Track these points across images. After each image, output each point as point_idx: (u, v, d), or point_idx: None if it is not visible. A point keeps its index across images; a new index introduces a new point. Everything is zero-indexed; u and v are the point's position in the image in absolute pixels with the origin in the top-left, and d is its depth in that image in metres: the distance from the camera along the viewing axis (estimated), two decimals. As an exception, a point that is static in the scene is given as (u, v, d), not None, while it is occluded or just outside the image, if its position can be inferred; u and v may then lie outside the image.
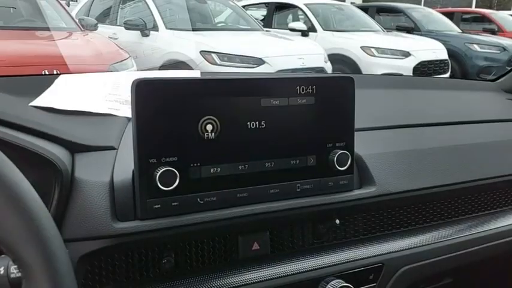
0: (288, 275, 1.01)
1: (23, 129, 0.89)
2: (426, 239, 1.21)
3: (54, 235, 0.62)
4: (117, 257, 0.91)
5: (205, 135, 0.88)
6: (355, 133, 1.03)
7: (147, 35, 6.10)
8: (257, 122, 0.92)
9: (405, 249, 1.16)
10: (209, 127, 0.88)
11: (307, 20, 8.04)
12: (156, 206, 0.86)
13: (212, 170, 0.90)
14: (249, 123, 0.91)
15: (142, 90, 0.83)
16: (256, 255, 1.01)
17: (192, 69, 5.27)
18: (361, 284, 1.08)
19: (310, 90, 0.97)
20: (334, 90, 1.00)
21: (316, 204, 1.00)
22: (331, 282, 1.03)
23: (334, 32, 7.81)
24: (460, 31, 9.68)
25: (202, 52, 5.49)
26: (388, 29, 8.95)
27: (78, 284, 0.87)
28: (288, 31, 7.74)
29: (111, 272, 0.91)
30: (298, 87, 0.96)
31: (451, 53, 8.03)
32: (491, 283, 1.62)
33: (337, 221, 1.06)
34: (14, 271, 0.75)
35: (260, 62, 5.53)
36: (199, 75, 1.44)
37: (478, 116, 1.54)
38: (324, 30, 7.84)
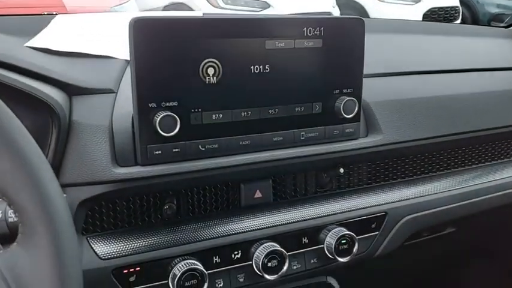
0: (289, 223, 1.01)
1: (17, 70, 0.86)
2: (430, 189, 1.19)
3: (50, 179, 0.60)
4: (118, 203, 0.91)
5: (207, 79, 0.84)
6: (363, 79, 0.99)
7: (149, -24, 5.89)
8: (261, 66, 0.88)
9: (409, 199, 1.15)
10: (211, 71, 0.84)
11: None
12: (157, 152, 0.84)
13: (214, 116, 0.87)
14: (252, 67, 0.87)
15: (141, 28, 0.79)
16: (258, 203, 1.00)
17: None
18: (363, 233, 1.08)
19: (318, 33, 0.92)
20: (342, 33, 0.94)
21: (321, 153, 0.98)
22: (333, 230, 1.02)
23: (343, -24, 7.53)
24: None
25: (206, -6, 5.33)
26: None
27: (79, 229, 0.87)
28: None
29: (112, 217, 0.91)
30: (305, 28, 0.91)
31: (462, -1, 7.76)
32: (493, 233, 1.63)
33: (341, 170, 1.04)
34: (12, 215, 0.75)
35: (265, 5, 5.36)
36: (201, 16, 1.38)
37: (489, 63, 1.48)
38: (333, -27, 7.55)
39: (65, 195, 0.79)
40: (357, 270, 1.22)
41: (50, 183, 0.60)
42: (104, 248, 0.88)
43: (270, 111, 0.91)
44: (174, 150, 0.85)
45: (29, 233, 0.58)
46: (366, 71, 0.99)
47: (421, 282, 2.07)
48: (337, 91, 0.96)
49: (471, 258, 1.86)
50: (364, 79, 0.99)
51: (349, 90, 0.97)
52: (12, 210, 0.69)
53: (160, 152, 0.84)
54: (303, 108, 0.94)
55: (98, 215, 0.89)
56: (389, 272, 1.57)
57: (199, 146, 0.87)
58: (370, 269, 1.33)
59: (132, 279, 0.89)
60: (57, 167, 0.84)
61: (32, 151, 0.59)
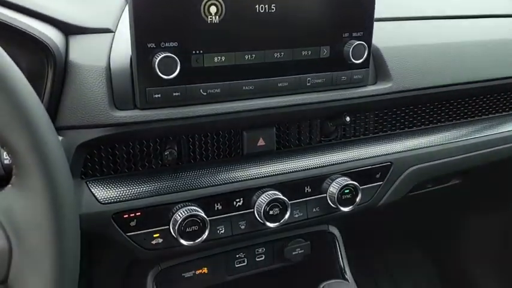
0: (292, 172, 0.99)
1: (9, 7, 0.81)
2: (437, 139, 1.16)
3: (43, 120, 0.57)
4: (117, 147, 0.88)
5: (209, 19, 0.79)
6: (374, 23, 0.94)
7: None
8: (266, 5, 0.82)
9: (415, 149, 1.12)
10: (213, 9, 0.79)
11: None
12: (156, 96, 0.81)
13: (216, 59, 0.83)
14: (257, 6, 0.82)
15: (139, -37, 0.74)
16: (261, 151, 0.98)
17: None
18: (367, 183, 1.06)
19: (328, -29, 0.86)
20: (354, -30, 0.88)
21: (327, 100, 0.94)
22: (337, 180, 1.00)
23: None
24: None
25: None
26: None
27: (78, 173, 0.85)
28: None
29: (111, 162, 0.89)
30: (314, -34, 0.85)
31: None
32: (496, 187, 1.62)
33: (348, 119, 1.01)
34: (7, 157, 0.73)
35: None
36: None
37: (507, 9, 1.41)
38: None
39: (61, 137, 0.77)
40: (358, 220, 1.22)
41: (43, 124, 0.57)
42: (103, 192, 0.86)
43: (275, 55, 0.87)
44: (174, 94, 0.81)
45: (22, 174, 0.57)
46: (377, 14, 0.94)
47: (421, 233, 2.09)
48: (346, 34, 0.91)
49: (471, 212, 1.87)
50: (375, 23, 0.94)
51: (359, 34, 0.92)
52: (6, 152, 0.67)
53: (159, 95, 0.80)
54: (310, 52, 0.89)
55: (97, 159, 0.87)
56: (391, 222, 1.58)
57: (201, 90, 0.83)
58: (372, 219, 1.33)
59: (132, 224, 0.88)
60: (53, 109, 0.82)
61: (25, 92, 0.56)
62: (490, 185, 1.59)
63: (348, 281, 1.14)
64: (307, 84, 0.91)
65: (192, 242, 0.88)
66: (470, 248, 1.96)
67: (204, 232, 0.88)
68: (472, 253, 1.96)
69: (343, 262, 1.16)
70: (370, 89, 0.99)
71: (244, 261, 1.15)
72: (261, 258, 1.17)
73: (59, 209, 0.57)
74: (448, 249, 2.05)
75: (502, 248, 1.90)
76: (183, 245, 0.88)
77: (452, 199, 1.60)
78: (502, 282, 1.89)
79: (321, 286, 0.88)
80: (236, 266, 1.15)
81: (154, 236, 0.90)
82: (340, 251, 1.17)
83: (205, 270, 1.12)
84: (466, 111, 1.22)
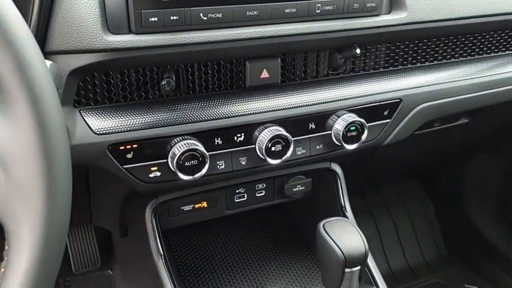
0: (297, 107, 0.94)
1: None
2: (448, 76, 1.11)
3: (27, 41, 0.52)
4: (112, 75, 0.83)
5: None
6: None
7: None
8: None
9: (426, 86, 1.07)
10: None
11: None
12: (153, 19, 0.74)
13: (219, -20, 0.75)
14: None
15: None
16: (264, 84, 0.92)
17: None
18: (374, 120, 1.02)
19: None
20: None
21: (337, 29, 0.88)
22: (343, 116, 0.96)
23: None
24: None
25: None
26: None
27: (71, 100, 0.80)
28: None
29: (106, 90, 0.84)
30: None
31: None
32: (506, 127, 1.58)
33: (358, 51, 0.94)
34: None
35: None
36: None
37: None
38: None
39: (51, 62, 0.71)
40: (362, 158, 1.19)
41: (27, 46, 0.52)
42: (98, 122, 0.82)
43: (283, -23, 0.79)
44: (172, 17, 0.75)
45: (7, 100, 0.52)
46: None
47: (425, 172, 2.08)
48: (361, -43, 0.83)
49: (475, 153, 1.84)
50: None
51: (375, -43, 0.84)
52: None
53: (156, 18, 0.74)
54: (320, -24, 0.82)
55: (91, 87, 0.82)
56: (395, 161, 1.55)
57: (201, 14, 0.77)
58: (376, 157, 1.30)
59: (129, 156, 0.84)
60: (42, 33, 0.75)
61: (7, 11, 0.51)
62: (498, 126, 1.55)
63: (348, 218, 1.13)
64: (317, 11, 0.84)
65: (191, 177, 0.85)
66: (470, 188, 1.96)
67: (203, 167, 0.85)
68: (471, 193, 1.96)
69: (344, 200, 1.15)
70: (384, 18, 0.92)
71: (244, 197, 1.13)
72: (261, 194, 1.15)
73: (47, 138, 0.53)
74: (448, 188, 2.05)
75: (501, 189, 1.90)
76: (181, 179, 0.85)
77: (460, 137, 1.57)
78: (500, 224, 1.91)
79: (321, 224, 0.86)
80: (236, 201, 1.13)
81: (152, 169, 0.87)
82: (341, 188, 1.15)
83: (204, 204, 1.10)
84: (481, 46, 1.16)
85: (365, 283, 1.06)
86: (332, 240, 0.83)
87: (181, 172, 0.84)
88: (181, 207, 1.08)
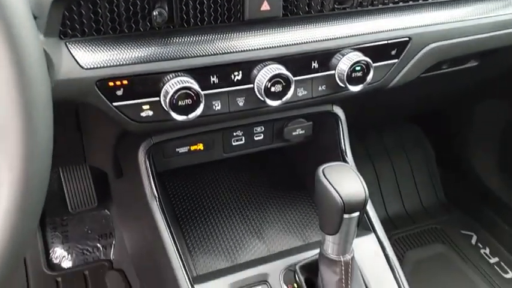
0: (299, 43, 0.88)
1: None
2: (461, 14, 1.04)
3: None
4: (99, 4, 0.76)
5: None
6: None
7: None
8: None
9: (437, 24, 1.00)
10: None
11: None
12: None
13: None
14: None
15: None
16: (265, 17, 0.85)
17: None
18: (381, 60, 0.96)
19: None
20: None
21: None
22: (347, 55, 0.90)
23: None
24: None
25: None
26: None
27: (55, 32, 0.74)
28: None
29: (93, 20, 0.77)
30: None
31: None
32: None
33: (366, -18, 0.87)
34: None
35: None
36: None
37: None
38: None
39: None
40: (365, 101, 1.14)
41: None
42: (86, 56, 0.76)
43: None
44: None
45: None
46: None
47: (425, 117, 2.04)
48: None
49: (480, 98, 1.79)
50: None
51: None
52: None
53: None
54: None
55: (77, 17, 0.76)
56: (398, 105, 1.50)
57: None
58: (379, 101, 1.25)
59: (119, 93, 0.80)
60: None
61: None
62: (507, 70, 1.49)
63: (348, 163, 1.10)
64: None
65: (184, 117, 0.81)
66: (473, 134, 1.93)
67: (197, 107, 0.80)
68: (473, 140, 1.93)
69: (345, 144, 1.11)
70: None
71: (241, 140, 1.09)
72: (259, 138, 1.11)
73: (22, 72, 0.48)
74: (450, 134, 2.02)
75: (505, 137, 1.87)
76: (175, 119, 0.81)
77: (464, 83, 1.51)
78: (501, 172, 1.89)
79: (321, 168, 0.83)
80: (233, 144, 1.09)
81: (144, 108, 0.82)
82: (343, 133, 1.11)
83: (200, 146, 1.06)
84: (498, -17, 1.08)
85: (363, 228, 1.05)
86: (331, 185, 0.79)
87: (174, 112, 0.80)
88: (177, 149, 1.04)
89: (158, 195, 0.97)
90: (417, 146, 2.09)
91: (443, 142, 2.07)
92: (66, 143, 1.25)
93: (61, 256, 1.73)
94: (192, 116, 0.81)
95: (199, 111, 0.81)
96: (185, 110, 0.80)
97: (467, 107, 1.89)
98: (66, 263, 1.71)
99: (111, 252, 1.75)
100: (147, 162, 0.97)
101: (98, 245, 1.77)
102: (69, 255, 1.73)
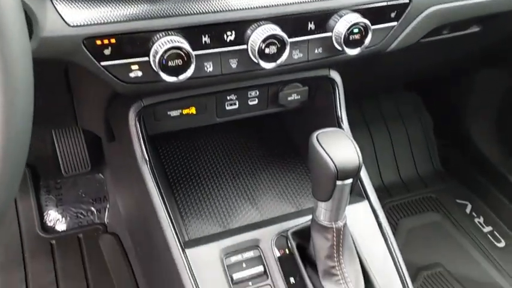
0: (295, 3, 0.84)
1: None
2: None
3: None
4: (84, -42, 0.72)
5: None
6: None
7: None
8: None
9: (438, -13, 0.96)
10: None
11: None
12: None
13: None
14: None
15: None
16: None
17: None
18: (380, 22, 0.92)
19: None
20: None
21: None
22: (345, 17, 0.87)
23: None
24: None
25: None
26: None
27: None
28: None
29: (78, -25, 0.74)
30: None
31: None
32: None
33: None
34: None
35: None
36: None
37: None
38: None
39: None
40: (363, 66, 1.11)
41: None
42: (72, 12, 0.73)
43: None
44: None
45: None
46: None
47: (423, 83, 2.01)
48: None
49: (480, 65, 1.76)
50: None
51: None
52: None
53: None
54: None
55: (61, -29, 0.72)
56: (396, 71, 1.47)
57: None
58: (377, 66, 1.22)
59: (107, 52, 0.77)
60: None
61: None
62: (509, 37, 1.45)
63: (344, 130, 1.08)
64: None
65: (175, 78, 0.78)
66: (472, 103, 1.91)
67: (188, 68, 0.78)
68: (472, 108, 1.91)
69: (341, 110, 1.08)
70: None
71: (235, 104, 1.07)
72: (253, 102, 1.09)
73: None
74: (448, 103, 2.00)
75: (504, 107, 1.85)
76: (164, 80, 0.78)
77: (464, 50, 1.48)
78: (499, 142, 1.88)
79: (315, 134, 0.81)
80: (227, 108, 1.07)
81: (132, 68, 0.79)
82: (339, 98, 1.08)
83: (193, 110, 1.04)
84: None
85: (356, 195, 1.03)
86: (324, 151, 0.78)
87: (164, 72, 0.77)
88: (168, 113, 1.02)
89: (149, 158, 0.95)
90: (415, 114, 2.07)
91: (442, 111, 2.05)
92: (57, 105, 1.22)
93: (55, 219, 1.73)
94: (182, 77, 0.78)
95: (190, 72, 0.78)
96: (175, 71, 0.77)
97: (467, 76, 1.85)
98: (61, 226, 1.71)
99: (105, 216, 1.75)
100: (138, 125, 0.94)
101: (92, 208, 1.76)
102: (63, 219, 1.73)
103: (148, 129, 1.03)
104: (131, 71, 0.79)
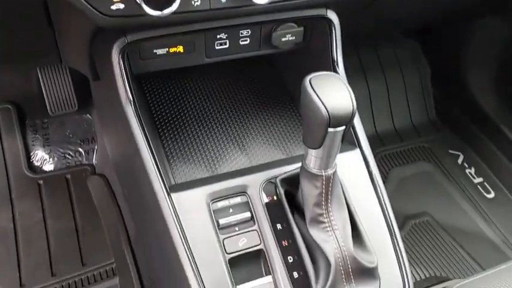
0: None
1: None
2: None
3: None
4: None
5: None
6: None
7: None
8: None
9: None
10: None
11: None
12: None
13: None
14: None
15: None
16: None
17: None
18: None
19: None
20: None
21: None
22: None
23: None
24: None
25: None
26: None
27: None
28: None
29: None
30: None
31: None
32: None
33: None
34: None
35: None
36: None
37: None
38: None
39: None
40: (362, 9, 1.05)
41: None
42: None
43: None
44: None
45: None
46: None
47: (426, 32, 1.94)
48: None
49: (484, 14, 1.70)
50: None
51: None
52: None
53: None
54: None
55: None
56: (396, 16, 1.41)
57: None
58: (377, 7, 1.16)
59: None
60: None
61: None
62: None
63: (339, 74, 1.03)
64: None
65: (159, 12, 0.72)
66: (472, 52, 1.86)
67: (173, 1, 0.72)
68: (471, 58, 1.86)
69: (337, 54, 1.03)
70: None
71: (225, 44, 1.01)
72: (245, 42, 1.03)
73: None
74: (448, 51, 1.94)
75: (503, 57, 1.80)
76: (148, 14, 0.72)
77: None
78: (496, 93, 1.84)
79: (308, 78, 0.76)
80: (216, 47, 1.01)
81: (114, 0, 0.73)
82: (336, 40, 1.02)
83: (180, 49, 0.98)
84: None
85: (348, 143, 1.01)
86: (317, 96, 0.73)
87: (147, 5, 0.71)
88: (154, 51, 0.96)
89: (133, 98, 0.91)
90: (413, 62, 2.01)
91: (441, 59, 1.99)
92: (39, 41, 1.16)
93: (42, 159, 1.70)
94: (167, 11, 0.73)
95: (175, 6, 0.73)
96: (159, 4, 0.72)
97: (469, 23, 1.79)
98: (48, 166, 1.69)
99: (94, 158, 1.72)
100: (122, 62, 0.89)
101: (80, 149, 1.73)
102: (51, 159, 1.70)
103: (134, 68, 0.98)
104: (113, 3, 0.74)
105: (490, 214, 1.71)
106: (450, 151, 1.90)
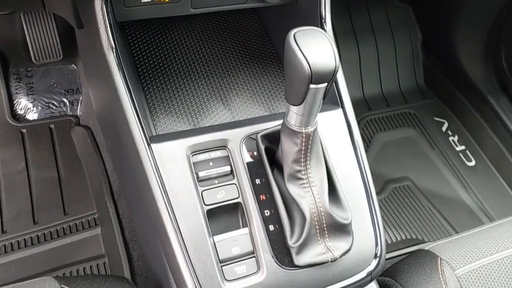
0: None
1: None
2: None
3: None
4: None
5: None
6: None
7: None
8: None
9: None
10: None
11: None
12: None
13: None
14: None
15: None
16: None
17: None
18: None
19: None
20: None
21: None
22: None
23: None
24: None
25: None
26: None
27: None
28: None
29: None
30: None
31: None
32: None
33: None
34: None
35: None
36: None
37: None
38: None
39: None
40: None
41: None
42: None
43: None
44: None
45: None
46: None
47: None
48: None
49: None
50: None
51: None
52: None
53: None
54: None
55: None
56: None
57: None
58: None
59: None
60: None
61: None
62: None
63: (325, 31, 1.01)
64: None
65: None
66: (464, 21, 1.84)
67: None
68: (463, 27, 1.85)
69: (325, 9, 1.01)
70: None
71: None
72: None
73: None
74: (440, 18, 1.92)
75: (495, 28, 1.78)
76: None
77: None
78: (485, 63, 1.84)
79: (292, 33, 0.75)
80: None
81: None
82: (325, -1, 1.01)
83: (165, -3, 0.96)
84: None
85: (331, 103, 1.01)
86: (300, 50, 0.73)
87: None
88: (139, -3, 0.94)
89: (116, 46, 0.89)
90: (405, 26, 1.99)
91: (433, 26, 1.97)
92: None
93: (26, 107, 1.68)
94: (150, -45, 0.70)
95: (158, -50, 0.70)
96: None
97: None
98: (32, 115, 1.68)
99: (78, 109, 1.71)
100: (105, 8, 0.87)
101: (65, 99, 1.72)
102: (34, 108, 1.69)
103: (117, 16, 0.95)
104: None
105: (470, 182, 1.74)
106: (435, 118, 1.91)
